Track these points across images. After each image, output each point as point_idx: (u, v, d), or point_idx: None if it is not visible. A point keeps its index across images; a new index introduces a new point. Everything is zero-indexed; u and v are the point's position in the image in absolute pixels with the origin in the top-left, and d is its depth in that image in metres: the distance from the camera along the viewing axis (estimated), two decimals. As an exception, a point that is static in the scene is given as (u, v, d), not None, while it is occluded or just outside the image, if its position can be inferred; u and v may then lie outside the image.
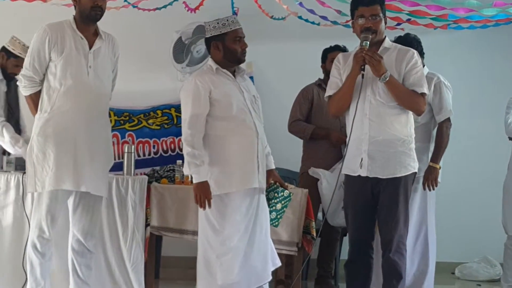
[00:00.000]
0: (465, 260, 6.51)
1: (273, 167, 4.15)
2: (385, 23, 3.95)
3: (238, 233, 3.84)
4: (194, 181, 3.81)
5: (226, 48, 3.94)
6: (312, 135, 5.34)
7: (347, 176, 4.02)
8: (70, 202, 4.13)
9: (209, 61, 4.05)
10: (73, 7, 4.14)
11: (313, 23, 6.18)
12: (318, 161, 5.26)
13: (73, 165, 3.98)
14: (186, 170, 3.86)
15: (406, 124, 3.94)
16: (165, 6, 5.91)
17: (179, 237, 4.79)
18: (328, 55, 5.41)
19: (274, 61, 6.62)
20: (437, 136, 4.84)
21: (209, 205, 3.79)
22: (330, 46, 5.47)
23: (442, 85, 4.83)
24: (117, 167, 4.92)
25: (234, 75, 4.02)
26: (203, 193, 3.77)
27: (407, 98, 3.86)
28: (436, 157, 4.79)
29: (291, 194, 4.17)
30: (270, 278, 4.05)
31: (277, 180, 4.12)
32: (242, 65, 4.13)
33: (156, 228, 4.78)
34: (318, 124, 5.36)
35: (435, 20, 5.82)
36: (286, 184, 4.20)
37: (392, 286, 3.94)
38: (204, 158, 3.83)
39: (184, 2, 6.00)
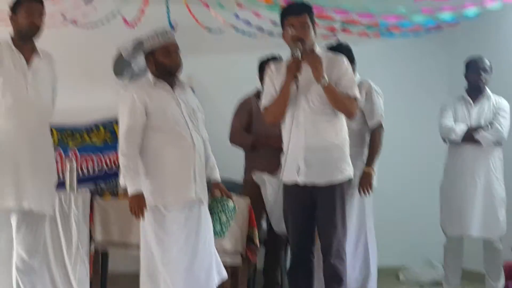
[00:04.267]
0: (408, 264, 6.67)
1: (219, 179, 4.21)
2: (315, 31, 4.03)
3: (178, 244, 3.87)
4: (129, 192, 3.84)
5: (156, 62, 4.02)
6: (252, 146, 5.43)
7: (285, 183, 4.10)
8: (14, 220, 4.09)
9: (148, 74, 4.12)
10: (10, 26, 4.14)
11: (249, 35, 6.29)
12: (260, 169, 5.32)
13: (15, 183, 3.96)
14: (122, 182, 3.92)
15: (341, 130, 4.04)
16: (102, 22, 5.96)
17: (123, 251, 4.79)
18: (265, 65, 5.49)
19: (213, 73, 6.71)
20: (371, 141, 4.96)
21: (143, 217, 3.83)
22: (267, 57, 5.57)
23: (373, 91, 4.98)
24: (61, 185, 4.94)
25: (173, 87, 4.07)
26: (137, 204, 3.80)
27: (342, 101, 3.95)
28: (370, 161, 4.91)
29: (236, 207, 4.22)
30: None
31: (222, 192, 4.18)
32: (182, 77, 4.17)
33: (100, 243, 4.78)
34: (259, 133, 5.42)
35: (368, 29, 5.96)
36: (231, 195, 4.25)
37: (334, 290, 4.01)
38: (140, 170, 3.88)
39: (123, 18, 6.04)
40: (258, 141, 5.41)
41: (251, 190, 5.23)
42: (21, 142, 4.01)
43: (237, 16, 5.97)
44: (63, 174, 5.52)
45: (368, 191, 4.86)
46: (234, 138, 5.53)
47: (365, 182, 4.85)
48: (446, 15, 5.32)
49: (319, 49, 4.09)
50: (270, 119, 4.11)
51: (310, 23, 3.98)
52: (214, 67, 6.71)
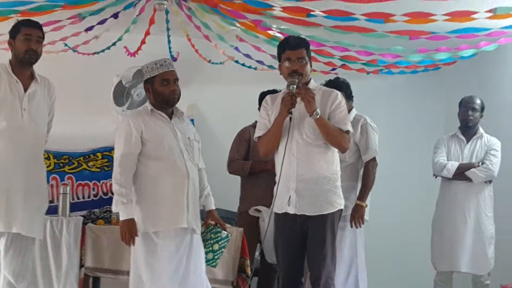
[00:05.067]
0: (397, 297, 6.66)
1: (213, 207, 4.24)
2: (311, 66, 4.08)
3: (168, 271, 3.89)
4: (120, 219, 3.86)
5: (154, 91, 4.05)
6: (251, 169, 5.43)
7: (276, 213, 4.12)
8: (2, 243, 4.10)
9: (147, 102, 4.16)
10: (9, 51, 4.22)
11: (249, 67, 6.36)
12: (256, 200, 5.31)
13: (5, 206, 3.99)
14: (114, 208, 3.93)
15: (332, 162, 4.06)
16: (103, 51, 6.02)
17: (114, 277, 4.80)
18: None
19: (214, 103, 6.78)
20: (364, 175, 5.02)
21: (133, 243, 3.84)
22: (268, 90, 5.61)
23: (368, 127, 5.04)
24: (55, 210, 4.96)
25: (171, 117, 4.11)
26: (128, 231, 3.82)
27: (334, 135, 3.97)
28: (362, 195, 4.95)
29: (229, 235, 4.25)
30: None
31: (216, 221, 4.21)
32: (182, 107, 4.21)
33: (90, 269, 4.79)
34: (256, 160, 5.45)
35: (367, 65, 6.03)
36: (224, 224, 4.27)
37: (322, 321, 4.00)
38: (132, 197, 3.90)
39: (124, 47, 6.11)
40: (256, 165, 5.41)
41: (246, 221, 5.26)
42: (14, 166, 4.05)
43: (237, 49, 6.04)
44: (58, 198, 5.55)
45: (359, 223, 4.91)
46: (232, 166, 5.56)
47: (357, 215, 4.89)
48: (442, 55, 5.40)
49: (314, 84, 4.14)
50: (263, 150, 4.14)
51: (306, 58, 4.03)
52: (214, 98, 6.78)
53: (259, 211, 5.12)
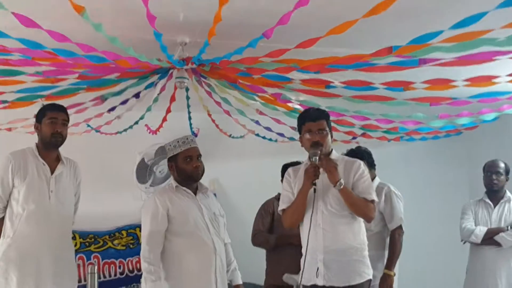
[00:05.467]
0: None
1: (240, 282, 4.24)
2: (332, 136, 4.10)
3: None
4: None
5: (178, 168, 4.09)
6: (276, 244, 5.40)
7: (305, 286, 4.07)
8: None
9: (171, 179, 4.19)
10: (36, 134, 4.31)
11: (270, 140, 6.40)
12: (282, 273, 5.29)
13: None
14: (143, 286, 3.91)
15: (359, 232, 4.03)
16: (125, 130, 6.11)
17: None
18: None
19: (236, 177, 6.81)
20: (390, 244, 4.98)
21: None
22: (291, 162, 5.63)
23: (393, 195, 5.03)
24: (83, 289, 4.94)
25: (196, 193, 4.13)
26: None
27: (359, 205, 3.96)
28: (390, 264, 4.90)
29: None
30: None
31: (243, 295, 4.18)
32: (205, 182, 4.24)
33: None
34: (280, 233, 5.41)
35: (387, 133, 6.03)
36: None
37: None
38: (161, 274, 3.89)
39: (146, 125, 6.20)
40: (281, 239, 5.38)
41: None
42: (43, 248, 4.09)
43: (257, 122, 6.09)
44: (85, 278, 5.55)
45: (388, 293, 4.85)
46: (257, 238, 5.53)
47: (385, 285, 4.85)
48: (464, 120, 5.39)
49: (336, 154, 4.15)
50: (288, 223, 4.13)
51: (327, 129, 4.06)
52: (236, 172, 6.82)
53: (292, 278, 5.06)
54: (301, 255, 4.08)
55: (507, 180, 5.45)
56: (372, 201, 4.03)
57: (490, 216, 5.43)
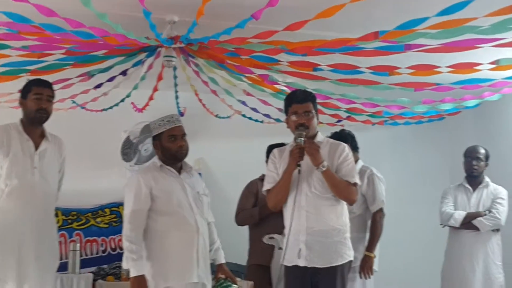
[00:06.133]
0: None
1: (223, 261, 4.23)
2: (317, 119, 4.13)
3: None
4: (131, 275, 3.84)
5: (162, 147, 4.08)
6: (260, 214, 5.38)
7: (286, 267, 4.10)
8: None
9: (155, 158, 4.18)
10: (20, 109, 4.28)
11: (256, 120, 6.42)
12: (264, 253, 5.34)
13: (16, 264, 3.99)
14: (124, 264, 3.92)
15: (342, 214, 4.07)
16: (111, 107, 6.09)
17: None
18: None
19: (221, 157, 6.82)
20: (371, 226, 5.05)
21: None
22: (277, 143, 5.63)
23: (375, 178, 5.09)
24: (64, 267, 4.94)
25: (180, 172, 4.13)
26: (139, 287, 3.80)
27: (341, 187, 4.00)
28: (370, 246, 4.99)
29: None
30: None
31: (226, 275, 4.19)
32: (190, 161, 4.24)
33: (101, 326, 4.77)
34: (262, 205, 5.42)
35: (372, 117, 6.08)
36: (234, 277, 4.26)
37: None
38: (142, 253, 3.89)
39: (132, 103, 6.19)
40: (263, 209, 5.33)
41: (256, 274, 5.26)
42: (25, 224, 4.07)
43: (244, 103, 6.10)
44: (66, 255, 5.56)
45: (369, 274, 4.94)
46: (240, 216, 5.54)
47: (366, 266, 4.93)
48: (447, 106, 5.45)
49: (321, 136, 4.17)
50: (272, 203, 4.16)
51: (313, 111, 4.08)
52: (222, 152, 6.83)
53: (272, 238, 5.09)
54: (283, 227, 4.10)
55: (486, 165, 5.52)
56: (355, 184, 4.06)
57: (469, 200, 5.51)
